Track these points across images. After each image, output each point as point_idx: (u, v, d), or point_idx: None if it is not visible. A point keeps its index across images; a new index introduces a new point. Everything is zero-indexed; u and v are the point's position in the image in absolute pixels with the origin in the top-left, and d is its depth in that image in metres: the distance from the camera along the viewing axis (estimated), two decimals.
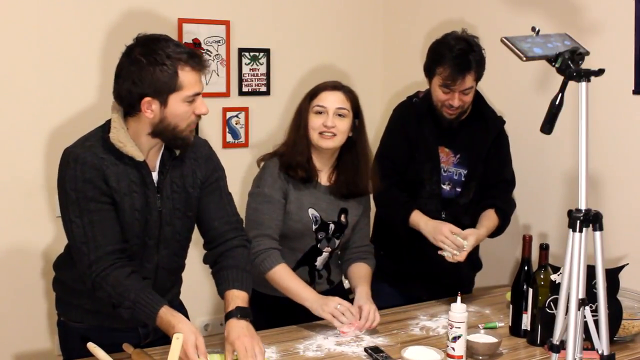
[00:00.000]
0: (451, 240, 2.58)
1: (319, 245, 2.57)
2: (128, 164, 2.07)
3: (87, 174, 2.02)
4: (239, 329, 2.08)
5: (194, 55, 2.02)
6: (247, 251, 2.31)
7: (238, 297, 2.16)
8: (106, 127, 2.10)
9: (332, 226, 2.57)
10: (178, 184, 2.19)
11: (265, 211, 2.47)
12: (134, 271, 2.06)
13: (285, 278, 2.42)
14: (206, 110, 2.08)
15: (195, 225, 2.31)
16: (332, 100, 2.48)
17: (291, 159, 2.49)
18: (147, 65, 1.96)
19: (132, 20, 3.21)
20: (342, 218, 2.60)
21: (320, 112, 2.48)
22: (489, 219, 2.74)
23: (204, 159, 2.25)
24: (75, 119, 3.14)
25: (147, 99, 1.99)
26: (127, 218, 2.09)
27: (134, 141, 2.06)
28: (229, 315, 2.12)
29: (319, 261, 2.60)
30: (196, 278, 2.72)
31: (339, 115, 2.47)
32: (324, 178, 2.57)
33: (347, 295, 2.64)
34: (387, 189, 2.72)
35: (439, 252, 2.61)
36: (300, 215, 2.52)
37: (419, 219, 2.68)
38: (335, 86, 2.52)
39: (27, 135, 3.11)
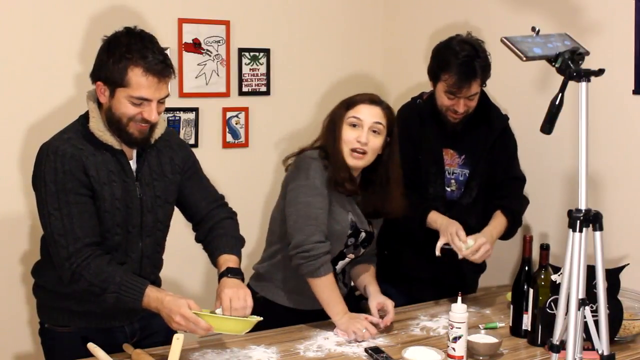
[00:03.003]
0: (453, 240, 2.55)
1: (344, 250, 2.49)
2: (106, 153, 2.12)
3: (66, 165, 2.05)
4: (228, 283, 2.14)
5: (153, 62, 2.04)
6: (234, 222, 2.39)
7: (229, 260, 2.23)
8: (82, 119, 2.16)
9: (363, 235, 2.50)
10: (157, 171, 2.24)
11: (318, 204, 2.35)
12: (112, 259, 2.10)
13: (328, 289, 2.36)
14: (154, 118, 2.10)
15: (181, 212, 2.37)
16: (369, 114, 2.38)
17: (336, 175, 2.38)
18: (107, 54, 2.07)
19: (132, 20, 3.18)
20: (371, 227, 2.54)
21: (354, 125, 2.39)
22: (497, 219, 2.71)
23: (177, 146, 2.33)
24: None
25: (100, 83, 2.09)
26: (108, 207, 2.11)
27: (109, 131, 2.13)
28: (221, 276, 2.19)
29: (340, 265, 2.53)
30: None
31: (374, 131, 2.38)
32: None
33: (359, 302, 2.65)
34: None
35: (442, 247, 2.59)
36: (342, 217, 2.43)
37: (436, 217, 2.65)
38: (373, 100, 2.42)
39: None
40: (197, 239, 2.39)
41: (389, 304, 2.46)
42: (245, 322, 2.08)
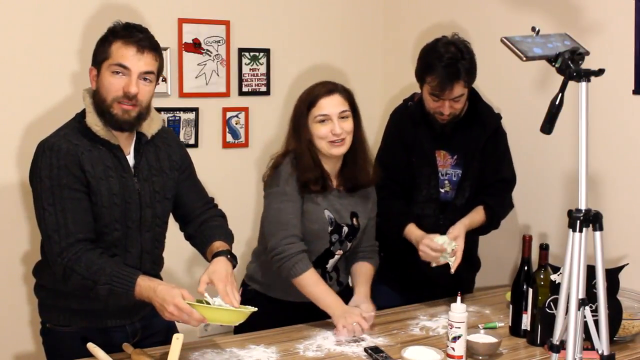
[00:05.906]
0: (430, 249, 2.55)
1: (331, 248, 2.53)
2: (102, 149, 2.12)
3: (62, 160, 2.06)
4: (226, 269, 2.13)
5: (135, 37, 2.10)
6: (226, 221, 2.42)
7: (225, 245, 2.27)
8: (79, 116, 2.18)
9: (345, 229, 2.53)
10: (155, 167, 2.25)
11: (289, 210, 2.42)
12: (103, 252, 2.09)
13: (314, 284, 2.40)
14: (134, 91, 2.09)
15: (172, 211, 2.37)
16: (332, 105, 2.42)
17: (303, 176, 2.43)
18: (98, 43, 2.15)
19: (132, 20, 3.20)
20: (355, 221, 2.57)
21: (323, 121, 2.42)
22: (477, 212, 2.71)
23: (175, 144, 2.36)
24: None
25: (91, 67, 2.15)
26: (106, 202, 2.11)
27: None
28: (218, 254, 2.20)
29: (330, 263, 2.57)
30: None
31: (342, 117, 2.43)
32: (334, 181, 2.54)
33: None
34: (383, 199, 2.69)
35: (432, 265, 2.59)
36: (318, 216, 2.47)
37: (411, 233, 2.66)
38: (330, 90, 2.45)
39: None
40: (187, 234, 2.41)
41: (366, 307, 2.44)
42: (239, 313, 2.06)
